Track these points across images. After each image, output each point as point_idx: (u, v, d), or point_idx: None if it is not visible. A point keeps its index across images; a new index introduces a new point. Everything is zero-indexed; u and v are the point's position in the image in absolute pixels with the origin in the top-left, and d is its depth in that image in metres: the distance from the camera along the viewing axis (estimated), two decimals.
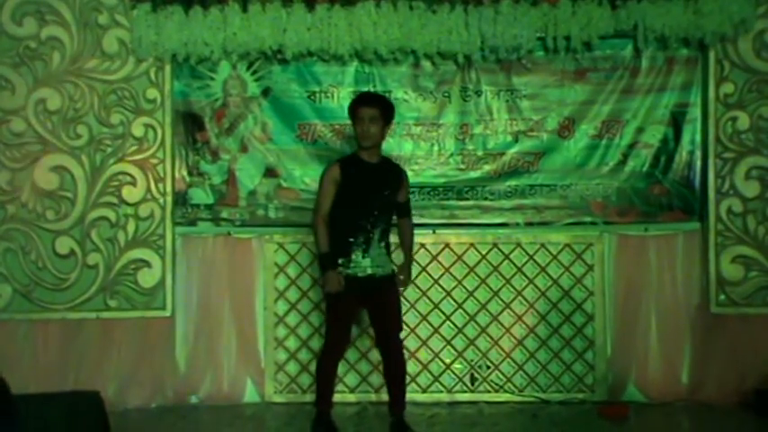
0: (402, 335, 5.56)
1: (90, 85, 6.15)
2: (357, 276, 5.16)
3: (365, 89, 6.15)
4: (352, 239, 5.16)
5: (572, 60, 6.21)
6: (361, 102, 5.24)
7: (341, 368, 5.88)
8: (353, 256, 5.14)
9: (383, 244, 5.22)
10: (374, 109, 5.16)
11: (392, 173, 5.33)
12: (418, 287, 6.22)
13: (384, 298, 5.25)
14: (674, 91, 6.26)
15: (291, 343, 6.30)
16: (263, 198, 6.24)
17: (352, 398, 6.24)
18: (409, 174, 5.92)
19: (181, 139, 6.24)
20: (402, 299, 5.88)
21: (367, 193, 5.17)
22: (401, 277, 5.42)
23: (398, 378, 5.36)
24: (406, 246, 5.45)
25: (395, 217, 5.51)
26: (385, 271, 5.25)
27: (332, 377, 5.34)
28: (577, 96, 6.26)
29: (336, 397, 5.67)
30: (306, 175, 6.26)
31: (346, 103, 5.91)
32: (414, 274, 6.02)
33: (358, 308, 5.31)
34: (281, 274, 6.29)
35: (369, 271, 5.17)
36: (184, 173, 6.25)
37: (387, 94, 6.11)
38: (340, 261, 5.16)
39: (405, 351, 5.56)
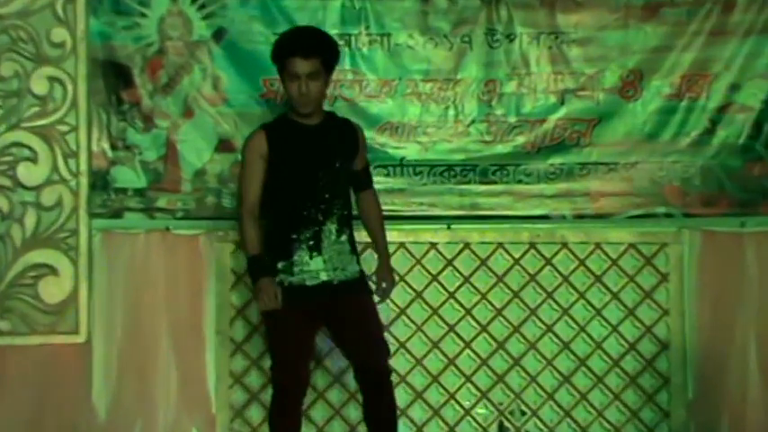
0: (405, 367, 5.19)
1: None
2: (305, 285, 4.49)
3: (355, 31, 5.46)
4: (294, 235, 4.49)
5: None
6: (291, 50, 4.48)
7: (321, 412, 5.35)
8: (297, 257, 4.48)
9: (343, 237, 4.57)
10: (313, 60, 4.45)
11: (343, 135, 4.67)
12: (427, 303, 5.46)
13: (350, 311, 4.54)
14: None
15: (253, 379, 5.51)
16: (215, 180, 5.53)
17: None
18: (416, 148, 5.46)
19: (100, 98, 5.50)
20: (404, 318, 5.38)
21: (308, 170, 4.53)
22: (383, 285, 4.73)
23: (385, 424, 4.65)
24: (376, 230, 4.77)
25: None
26: (348, 274, 4.56)
27: None
28: (647, 41, 5.52)
29: None
30: None
31: None
32: (422, 284, 5.42)
33: (312, 330, 4.60)
34: (239, 285, 5.49)
35: (322, 276, 4.51)
36: (105, 145, 5.51)
37: (385, 39, 5.49)
38: (280, 266, 4.49)
39: (409, 390, 5.16)
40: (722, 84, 5.48)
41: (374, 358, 4.57)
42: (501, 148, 5.56)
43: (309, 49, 4.43)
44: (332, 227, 4.50)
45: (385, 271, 4.70)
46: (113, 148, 5.50)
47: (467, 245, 5.54)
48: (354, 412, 5.35)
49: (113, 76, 5.50)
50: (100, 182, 5.48)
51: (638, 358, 5.53)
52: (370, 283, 4.68)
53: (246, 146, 4.61)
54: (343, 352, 4.69)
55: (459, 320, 5.52)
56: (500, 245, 5.55)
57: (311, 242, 4.45)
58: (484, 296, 5.52)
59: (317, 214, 4.47)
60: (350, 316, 4.55)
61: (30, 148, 5.33)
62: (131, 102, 5.50)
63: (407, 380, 5.31)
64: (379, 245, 4.72)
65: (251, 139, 4.59)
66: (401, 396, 5.20)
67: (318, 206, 4.47)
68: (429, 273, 5.48)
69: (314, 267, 4.48)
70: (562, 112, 5.55)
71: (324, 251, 4.47)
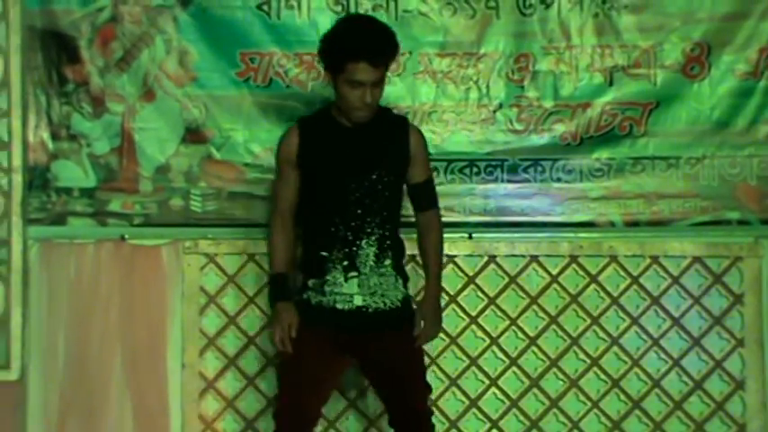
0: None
1: None
2: (335, 308, 4.25)
3: None
4: (325, 253, 4.27)
5: None
6: (357, 54, 4.14)
7: None
8: (330, 277, 4.24)
9: (387, 262, 4.28)
10: (382, 68, 4.17)
11: (391, 138, 4.33)
12: (443, 330, 4.87)
13: (385, 349, 4.21)
14: None
15: (228, 424, 5.04)
16: (182, 178, 5.08)
17: None
18: (431, 139, 4.89)
19: (38, 76, 5.03)
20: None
21: (337, 180, 4.27)
22: (422, 325, 4.32)
23: None
24: (431, 261, 4.41)
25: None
26: (388, 302, 4.25)
27: None
28: (717, 6, 5.04)
29: None
30: (254, 140, 5.12)
31: (321, 19, 4.95)
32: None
33: (336, 363, 4.33)
34: (211, 308, 5.04)
35: (357, 301, 4.25)
36: (45, 135, 5.03)
37: (391, 3, 5.05)
38: (310, 283, 4.29)
39: None
40: None
41: (411, 405, 4.28)
42: (535, 139, 5.06)
43: (381, 55, 4.11)
44: (369, 250, 4.21)
45: (427, 307, 4.29)
46: (55, 138, 4.98)
47: (492, 258, 5.04)
48: None
49: (55, 49, 4.98)
50: (38, 180, 4.98)
51: (707, 399, 4.99)
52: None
53: (279, 144, 4.40)
54: (379, 396, 4.46)
55: (484, 352, 5.00)
56: (534, 258, 5.05)
57: (345, 263, 4.19)
58: (514, 322, 5.01)
59: (347, 233, 4.17)
60: (385, 355, 4.28)
61: None
62: (77, 81, 5.00)
63: None
64: (428, 279, 4.34)
65: (282, 137, 4.39)
66: None
67: (348, 224, 4.18)
68: (446, 293, 4.93)
69: (347, 290, 4.20)
70: (611, 94, 5.02)
71: (362, 274, 4.23)
